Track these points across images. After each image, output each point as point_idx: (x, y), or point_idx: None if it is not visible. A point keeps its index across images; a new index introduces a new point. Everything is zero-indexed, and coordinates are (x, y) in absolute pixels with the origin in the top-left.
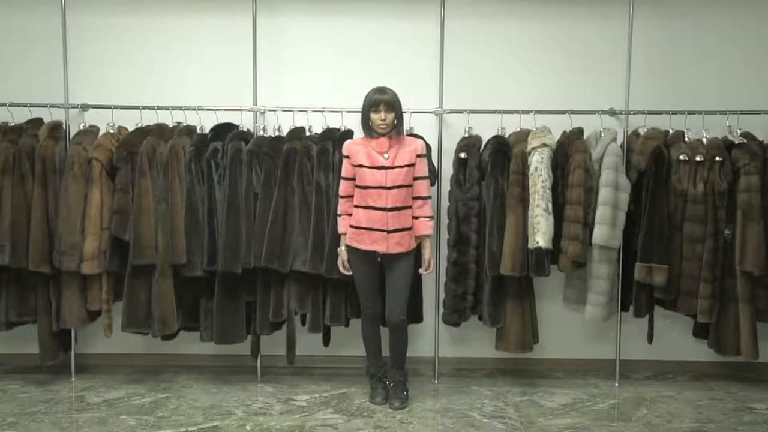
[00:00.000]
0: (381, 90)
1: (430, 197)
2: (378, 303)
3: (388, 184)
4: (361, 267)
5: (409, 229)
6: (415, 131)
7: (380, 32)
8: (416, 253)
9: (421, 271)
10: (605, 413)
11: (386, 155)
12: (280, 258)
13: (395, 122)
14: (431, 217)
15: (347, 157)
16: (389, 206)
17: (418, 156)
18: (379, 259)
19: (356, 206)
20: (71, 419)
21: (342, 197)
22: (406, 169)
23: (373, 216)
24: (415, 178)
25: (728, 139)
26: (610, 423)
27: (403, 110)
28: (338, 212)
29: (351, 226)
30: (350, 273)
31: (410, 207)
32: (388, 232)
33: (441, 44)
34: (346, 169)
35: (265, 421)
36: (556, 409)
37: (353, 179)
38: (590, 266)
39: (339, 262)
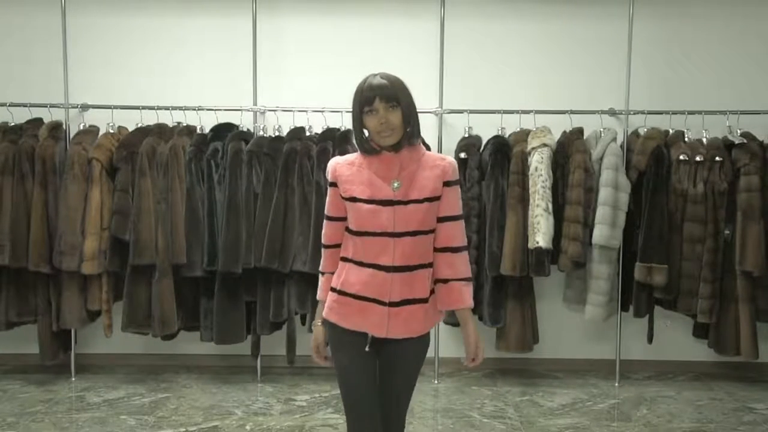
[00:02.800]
0: (375, 77)
1: (466, 247)
2: (377, 422)
3: (398, 230)
4: (348, 356)
5: (425, 300)
6: None
7: (380, 32)
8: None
9: (466, 363)
10: (605, 413)
11: (395, 183)
12: (280, 258)
13: (407, 126)
14: (469, 280)
15: (333, 184)
16: (396, 264)
17: (447, 184)
18: (367, 348)
19: (344, 259)
20: (71, 419)
21: (326, 247)
22: (426, 204)
23: (371, 279)
24: (442, 219)
25: (728, 139)
26: (610, 423)
27: (415, 106)
28: (320, 269)
29: (332, 290)
30: (329, 364)
31: (429, 265)
32: (390, 305)
33: (441, 44)
34: (331, 203)
35: (265, 421)
36: (556, 409)
37: (343, 219)
38: (590, 266)
39: (312, 347)
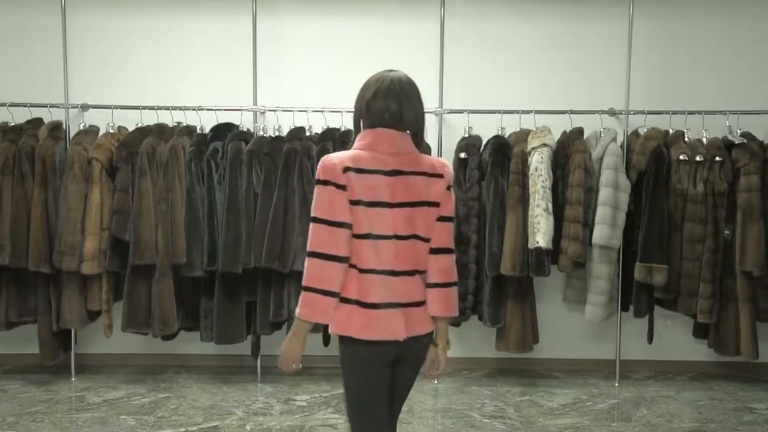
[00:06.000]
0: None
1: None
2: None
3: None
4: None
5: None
6: None
7: (380, 32)
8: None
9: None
10: (605, 413)
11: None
12: (280, 258)
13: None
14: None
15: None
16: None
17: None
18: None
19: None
20: (71, 419)
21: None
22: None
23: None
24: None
25: (728, 139)
26: (610, 423)
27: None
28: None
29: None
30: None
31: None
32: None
33: (441, 44)
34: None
35: (265, 421)
36: (556, 409)
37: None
38: (590, 266)
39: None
